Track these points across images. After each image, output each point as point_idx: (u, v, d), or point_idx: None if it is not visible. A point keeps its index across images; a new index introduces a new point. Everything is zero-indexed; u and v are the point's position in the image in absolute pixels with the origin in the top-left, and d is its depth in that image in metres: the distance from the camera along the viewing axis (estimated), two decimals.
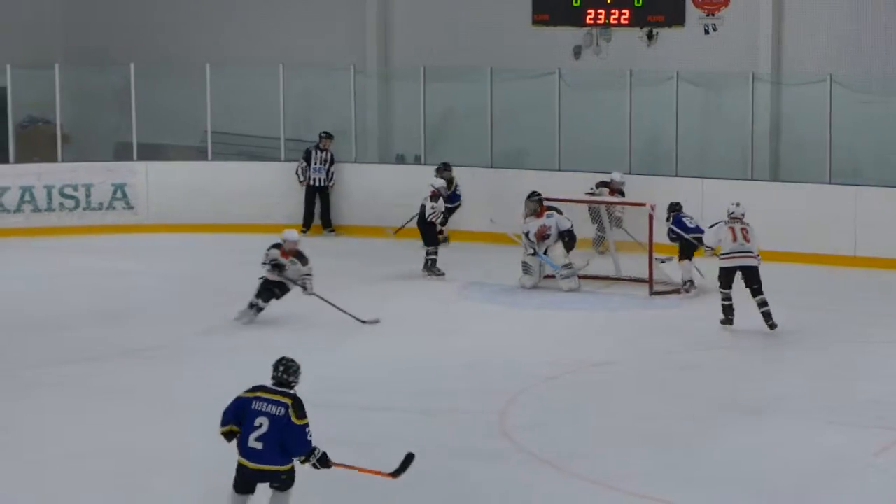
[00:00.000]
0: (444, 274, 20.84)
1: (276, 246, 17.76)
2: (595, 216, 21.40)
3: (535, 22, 25.62)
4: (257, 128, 26.12)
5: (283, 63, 25.17)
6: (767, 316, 17.19)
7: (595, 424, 14.15)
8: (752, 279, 17.22)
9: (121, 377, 16.01)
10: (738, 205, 17.58)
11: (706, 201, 21.61)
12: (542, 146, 24.18)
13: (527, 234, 20.19)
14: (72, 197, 24.12)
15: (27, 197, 24.11)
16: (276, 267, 17.63)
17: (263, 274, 17.76)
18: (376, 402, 14.62)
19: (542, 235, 20.06)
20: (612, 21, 25.20)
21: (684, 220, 19.89)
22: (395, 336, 17.43)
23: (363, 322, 17.78)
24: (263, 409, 9.85)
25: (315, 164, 24.51)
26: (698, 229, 19.41)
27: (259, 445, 9.80)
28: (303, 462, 9.88)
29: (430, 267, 20.83)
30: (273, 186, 24.67)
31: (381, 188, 24.33)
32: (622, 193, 21.80)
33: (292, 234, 17.99)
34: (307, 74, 25.70)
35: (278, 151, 25.36)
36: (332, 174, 24.61)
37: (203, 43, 27.05)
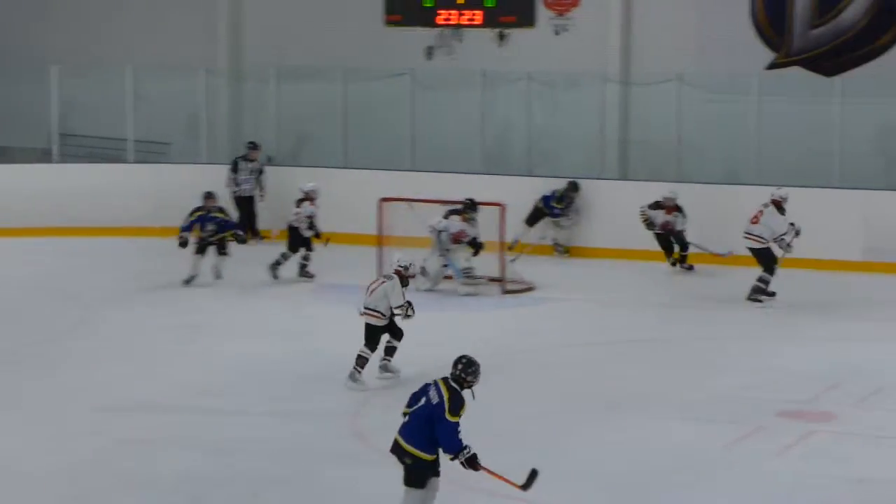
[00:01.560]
0: (314, 276, 20.83)
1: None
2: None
3: (388, 22, 25.68)
4: (105, 129, 25.78)
5: (133, 64, 24.95)
6: (751, 290, 19.15)
7: None
8: (756, 259, 19.22)
9: None
10: None
11: None
12: (396, 146, 24.19)
13: (439, 232, 20.06)
14: None
15: None
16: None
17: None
18: (230, 405, 14.57)
19: (458, 239, 20.00)
20: (463, 22, 25.32)
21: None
22: (249, 339, 17.38)
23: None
24: (427, 390, 10.35)
25: (242, 174, 24.21)
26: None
27: (407, 420, 10.33)
28: (451, 459, 10.18)
29: (302, 270, 20.81)
30: (121, 188, 24.36)
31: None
32: (679, 210, 21.30)
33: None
34: (157, 76, 25.40)
35: (126, 153, 25.10)
36: (263, 184, 24.32)
37: (50, 43, 26.66)
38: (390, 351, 15.47)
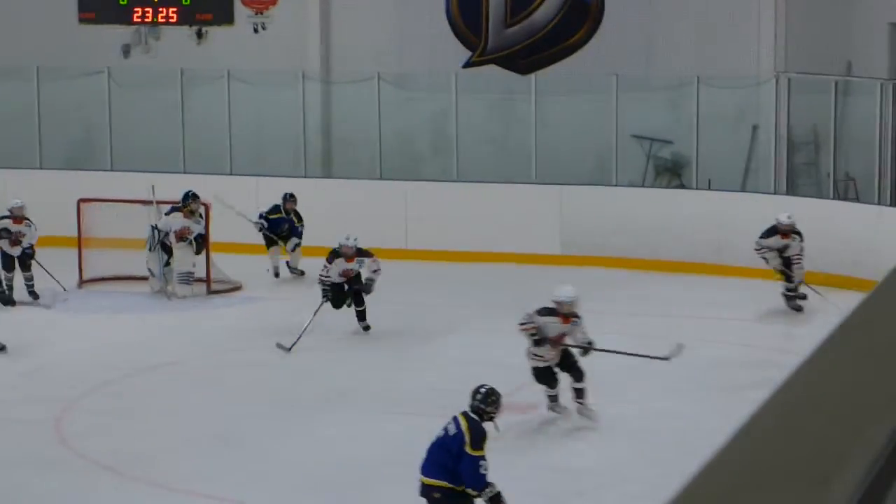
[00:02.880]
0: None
1: None
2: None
3: (82, 20, 25.25)
4: None
5: None
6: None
7: (157, 426, 14.25)
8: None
9: None
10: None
11: (261, 198, 21.85)
12: (94, 147, 23.88)
13: (165, 234, 19.63)
14: None
15: None
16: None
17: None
18: None
19: (183, 236, 19.62)
20: (160, 19, 25.12)
21: None
22: None
23: None
24: (446, 425, 10.09)
25: None
26: None
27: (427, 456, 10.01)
28: (474, 496, 9.88)
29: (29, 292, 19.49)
30: None
31: None
32: (798, 234, 18.55)
33: None
34: None
35: None
36: None
37: None
38: None
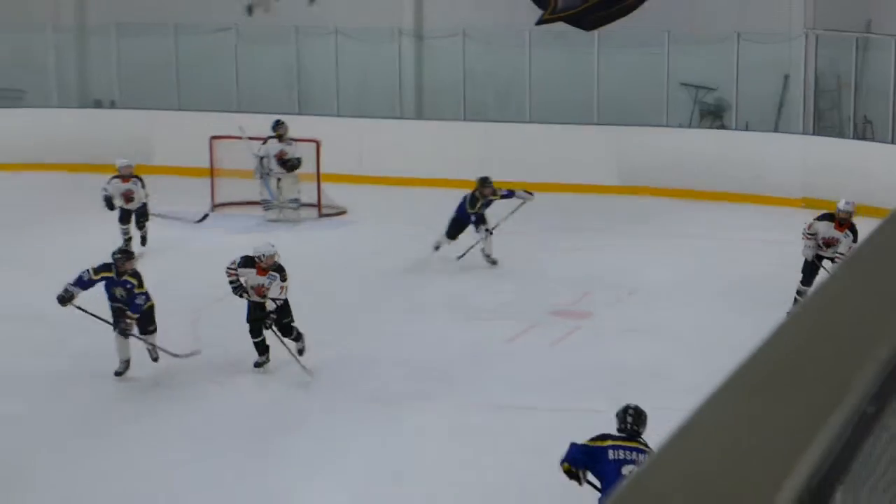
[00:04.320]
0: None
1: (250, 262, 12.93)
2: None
3: None
4: None
5: None
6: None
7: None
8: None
9: None
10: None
11: (365, 140, 21.97)
12: (224, 91, 23.99)
13: (262, 158, 19.50)
14: None
15: None
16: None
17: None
18: None
19: (281, 158, 19.53)
20: None
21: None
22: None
23: None
24: (629, 458, 8.08)
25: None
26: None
27: None
28: None
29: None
30: None
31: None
32: (853, 231, 14.12)
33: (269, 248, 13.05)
34: (7, 32, 24.75)
35: None
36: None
37: None
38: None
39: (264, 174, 19.65)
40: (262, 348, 12.94)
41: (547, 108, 22.60)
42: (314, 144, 19.98)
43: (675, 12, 22.25)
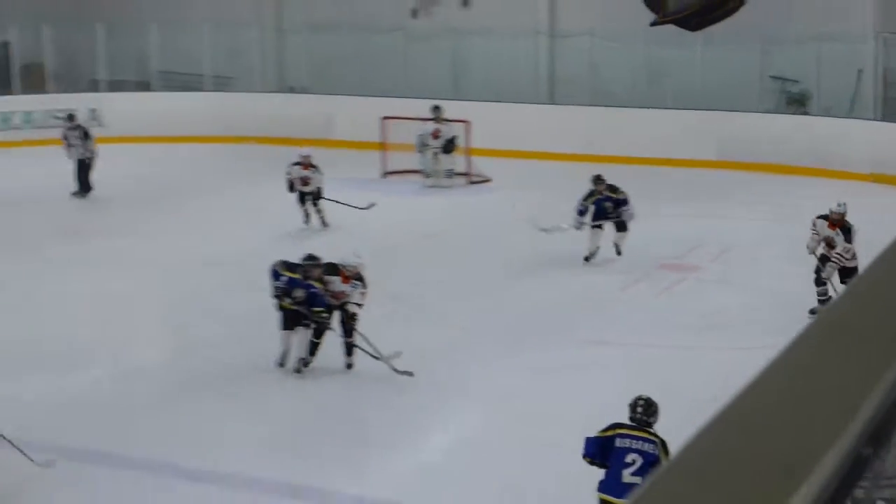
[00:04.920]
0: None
1: None
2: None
3: None
4: (188, 66, 25.55)
5: (209, 21, 24.83)
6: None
7: (429, 274, 14.47)
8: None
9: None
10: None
11: (500, 121, 21.90)
12: (395, 82, 23.98)
13: (421, 136, 19.54)
14: (58, 118, 23.57)
15: (24, 119, 23.63)
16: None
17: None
18: None
19: (435, 136, 19.55)
20: None
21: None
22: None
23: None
24: (633, 447, 7.27)
25: (71, 139, 19.25)
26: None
27: (638, 480, 7.11)
28: None
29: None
30: (197, 110, 24.28)
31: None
32: (846, 231, 12.43)
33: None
34: (219, 30, 25.14)
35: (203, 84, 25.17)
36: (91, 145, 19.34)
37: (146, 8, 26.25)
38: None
39: (423, 149, 19.77)
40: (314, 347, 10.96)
41: (658, 96, 22.37)
42: (465, 125, 19.97)
43: (767, 15, 21.78)
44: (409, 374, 10.38)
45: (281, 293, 10.74)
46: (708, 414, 1.28)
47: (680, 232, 16.34)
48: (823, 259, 12.45)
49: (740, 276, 14.10)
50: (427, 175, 19.89)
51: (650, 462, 7.11)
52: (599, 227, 14.73)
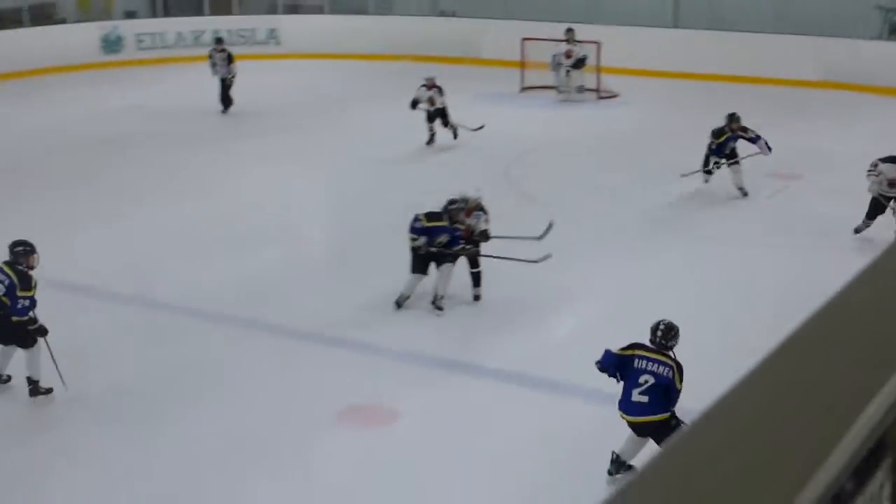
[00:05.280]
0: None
1: None
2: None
3: None
4: None
5: None
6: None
7: (559, 175, 14.21)
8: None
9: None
10: None
11: (634, 41, 21.22)
12: (531, 7, 23.44)
13: (554, 56, 19.19)
14: (243, 36, 23.75)
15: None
16: None
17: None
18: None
19: (568, 55, 19.18)
20: None
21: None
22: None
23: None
24: (648, 368, 6.76)
25: (216, 59, 18.46)
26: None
27: (645, 399, 6.73)
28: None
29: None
30: (362, 31, 24.00)
31: None
32: None
33: None
34: None
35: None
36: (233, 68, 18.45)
37: None
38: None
39: (556, 67, 19.37)
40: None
41: (768, 21, 21.40)
42: (596, 45, 19.47)
43: None
44: (547, 257, 9.89)
45: (423, 243, 9.76)
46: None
47: (788, 145, 15.78)
48: (876, 207, 11.15)
49: (843, 185, 13.42)
50: (560, 90, 19.52)
51: (662, 384, 6.67)
52: (737, 163, 13.02)
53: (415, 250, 9.80)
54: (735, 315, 9.53)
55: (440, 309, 9.82)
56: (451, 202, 10.00)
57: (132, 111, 18.47)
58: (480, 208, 10.11)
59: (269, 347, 9.19)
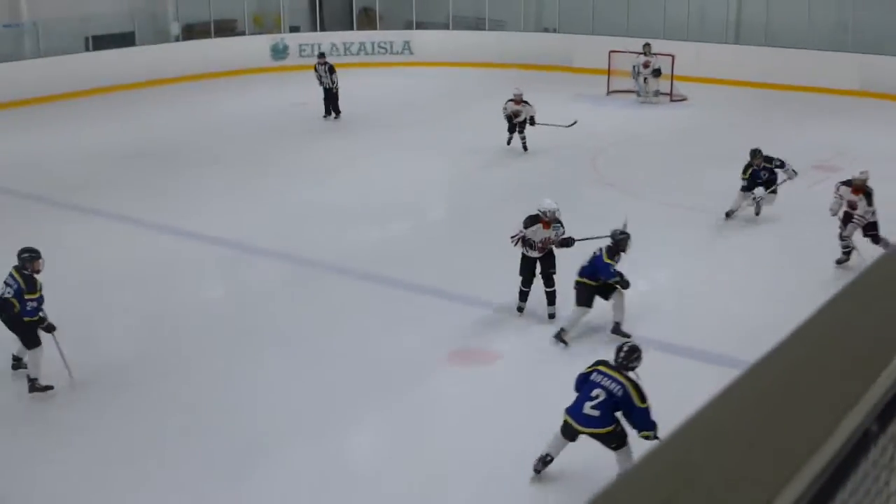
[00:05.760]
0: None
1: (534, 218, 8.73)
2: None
3: None
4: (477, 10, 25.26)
5: None
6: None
7: (642, 161, 14.05)
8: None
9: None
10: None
11: (701, 54, 20.70)
12: (620, 27, 23.07)
13: (634, 66, 18.95)
14: (383, 47, 24.03)
15: (360, 48, 24.04)
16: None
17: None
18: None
19: (646, 65, 18.88)
20: None
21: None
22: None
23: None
24: (601, 383, 6.10)
25: (320, 71, 17.49)
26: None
27: (596, 413, 6.07)
28: (644, 437, 5.94)
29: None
30: (479, 44, 23.96)
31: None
32: (868, 196, 10.20)
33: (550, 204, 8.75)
34: None
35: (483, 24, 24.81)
36: (335, 78, 17.47)
37: None
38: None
39: (637, 75, 19.18)
40: (524, 296, 8.94)
41: (813, 39, 20.67)
42: (670, 57, 19.13)
43: None
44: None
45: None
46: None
47: (829, 141, 15.42)
48: (846, 218, 10.16)
49: (878, 175, 12.94)
50: (639, 94, 19.29)
51: (611, 401, 6.00)
52: (774, 192, 11.64)
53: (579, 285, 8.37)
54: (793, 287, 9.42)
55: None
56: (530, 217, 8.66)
57: (294, 107, 18.90)
58: (557, 221, 8.63)
59: (397, 299, 9.43)
